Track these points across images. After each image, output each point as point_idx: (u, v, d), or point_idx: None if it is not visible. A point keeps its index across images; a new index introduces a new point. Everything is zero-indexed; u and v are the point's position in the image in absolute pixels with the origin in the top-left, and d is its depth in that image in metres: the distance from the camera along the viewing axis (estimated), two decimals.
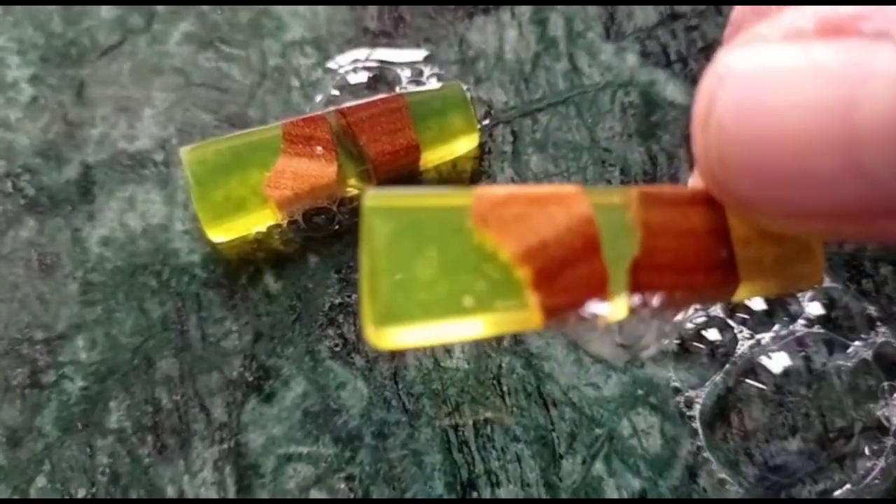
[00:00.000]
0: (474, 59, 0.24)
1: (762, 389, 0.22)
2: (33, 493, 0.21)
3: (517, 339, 0.22)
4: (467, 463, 0.21)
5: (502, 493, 0.21)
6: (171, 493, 0.21)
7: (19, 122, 0.24)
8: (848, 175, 0.10)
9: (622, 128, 0.23)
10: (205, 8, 0.25)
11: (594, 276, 0.13)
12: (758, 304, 0.22)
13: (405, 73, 0.24)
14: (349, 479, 0.21)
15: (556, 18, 0.24)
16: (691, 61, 0.24)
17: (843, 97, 0.10)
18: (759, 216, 0.12)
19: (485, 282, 0.13)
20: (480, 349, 0.22)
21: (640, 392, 0.21)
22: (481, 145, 0.23)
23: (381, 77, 0.24)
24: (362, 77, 0.24)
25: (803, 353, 0.22)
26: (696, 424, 0.21)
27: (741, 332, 0.22)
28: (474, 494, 0.21)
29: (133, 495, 0.21)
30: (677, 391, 0.21)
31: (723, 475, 0.21)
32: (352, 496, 0.21)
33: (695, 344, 0.22)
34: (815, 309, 0.22)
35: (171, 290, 0.22)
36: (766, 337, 0.22)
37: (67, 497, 0.20)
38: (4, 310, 0.22)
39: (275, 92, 0.24)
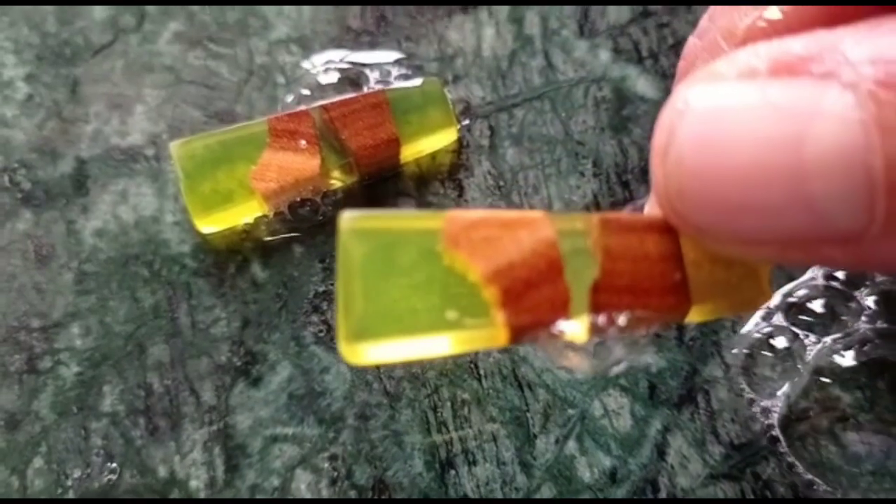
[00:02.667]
0: (453, 57, 0.25)
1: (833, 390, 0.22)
2: (30, 474, 0.22)
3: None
4: (445, 443, 0.22)
5: (479, 472, 0.22)
6: (162, 473, 0.22)
7: (15, 119, 0.25)
8: (796, 206, 0.11)
9: (595, 121, 0.24)
10: (194, 8, 0.26)
11: (557, 297, 0.14)
12: (817, 306, 0.23)
13: (374, 75, 0.25)
14: (332, 458, 0.22)
15: (532, 17, 0.25)
16: (662, 57, 0.25)
17: (794, 134, 0.11)
18: (712, 242, 0.13)
19: (454, 301, 0.14)
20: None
21: (610, 375, 0.22)
22: (459, 139, 0.24)
23: (350, 78, 0.25)
24: (332, 77, 0.25)
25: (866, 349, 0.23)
26: (776, 432, 0.22)
27: (807, 336, 0.23)
28: (452, 473, 0.22)
29: (126, 475, 0.22)
30: (649, 373, 0.22)
31: (810, 477, 0.21)
32: (335, 475, 0.22)
33: (763, 353, 0.22)
34: (872, 304, 0.23)
35: (163, 279, 0.23)
36: (828, 339, 0.22)
37: (64, 476, 0.21)
38: (2, 299, 0.23)
39: (261, 89, 0.25)
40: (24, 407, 0.22)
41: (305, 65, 0.25)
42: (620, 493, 0.22)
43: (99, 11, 0.26)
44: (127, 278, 0.23)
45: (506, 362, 0.22)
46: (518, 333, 0.14)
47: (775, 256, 0.13)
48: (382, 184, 0.24)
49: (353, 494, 0.21)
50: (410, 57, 0.25)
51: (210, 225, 0.23)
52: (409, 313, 0.14)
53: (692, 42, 0.15)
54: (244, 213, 0.23)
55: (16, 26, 0.25)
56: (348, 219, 0.14)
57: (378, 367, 0.22)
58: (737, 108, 0.12)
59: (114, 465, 0.22)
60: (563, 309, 0.14)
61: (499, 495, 0.21)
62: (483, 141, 0.24)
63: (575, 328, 0.14)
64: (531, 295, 0.14)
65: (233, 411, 0.22)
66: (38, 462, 0.22)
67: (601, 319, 0.15)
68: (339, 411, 0.22)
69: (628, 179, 0.24)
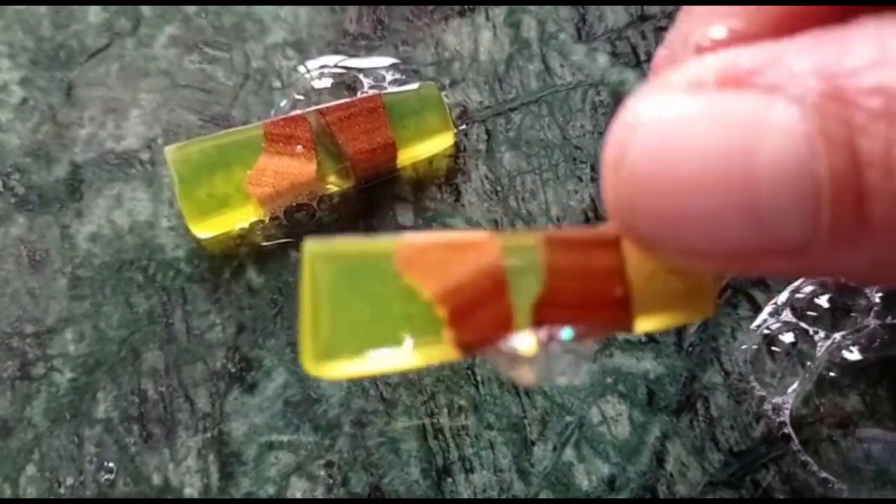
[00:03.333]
0: (450, 61, 0.25)
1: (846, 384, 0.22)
2: (23, 482, 0.21)
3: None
4: (442, 450, 0.22)
5: (476, 479, 0.21)
6: (156, 480, 0.21)
7: (10, 123, 0.24)
8: (744, 217, 0.11)
9: (593, 126, 0.24)
10: (190, 12, 0.25)
11: (501, 315, 0.15)
12: (825, 302, 0.23)
13: (368, 80, 0.24)
14: (328, 465, 0.22)
15: (530, 20, 0.25)
16: None
17: (741, 147, 0.11)
18: (662, 254, 0.13)
19: (410, 320, 0.15)
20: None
21: (608, 380, 0.22)
22: (456, 144, 0.24)
23: (344, 83, 0.25)
24: (326, 83, 0.25)
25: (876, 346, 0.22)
26: (788, 429, 0.22)
27: (816, 333, 0.22)
28: (449, 480, 0.21)
29: (120, 483, 0.21)
30: (647, 379, 0.22)
31: (825, 475, 0.21)
32: (331, 482, 0.21)
33: (773, 349, 0.22)
34: (879, 300, 0.22)
35: (157, 284, 0.23)
36: (837, 336, 0.22)
37: (57, 483, 0.21)
38: None
39: (257, 93, 0.25)
40: (17, 414, 0.22)
41: (300, 69, 0.25)
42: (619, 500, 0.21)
43: (94, 15, 0.25)
44: (121, 284, 0.23)
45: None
46: (467, 349, 0.15)
47: (723, 267, 0.13)
48: (379, 188, 0.24)
49: None
50: (407, 61, 0.25)
51: (205, 230, 0.23)
52: (371, 332, 0.15)
53: (660, 52, 0.15)
54: (240, 218, 0.23)
55: (10, 30, 0.25)
56: (313, 244, 0.15)
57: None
58: (686, 120, 0.12)
59: (110, 464, 0.21)
60: (506, 326, 0.15)
61: None
62: (480, 145, 0.24)
63: (525, 342, 0.15)
64: (477, 313, 0.15)
65: (228, 418, 0.22)
66: (30, 469, 0.21)
67: (543, 334, 0.15)
68: (335, 418, 0.22)
69: None
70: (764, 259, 0.12)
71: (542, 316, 0.15)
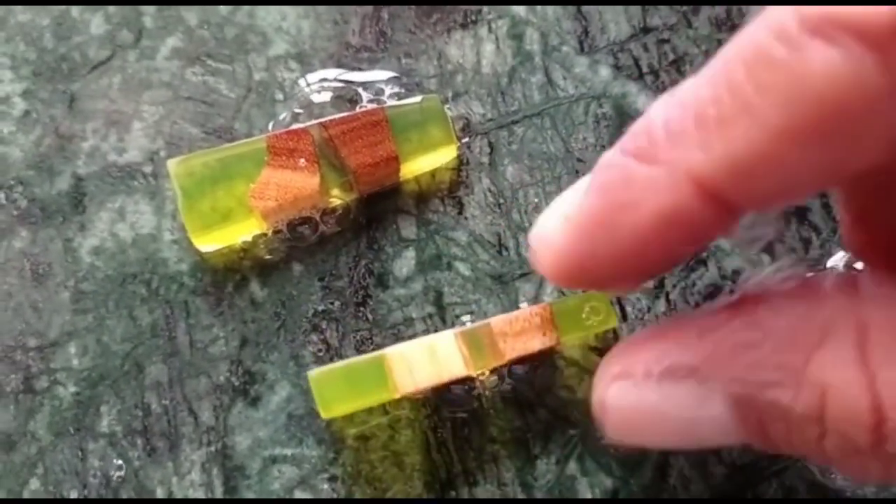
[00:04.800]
0: (453, 73, 0.25)
1: None
2: (27, 496, 0.21)
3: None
4: (445, 463, 0.22)
5: (479, 493, 0.21)
6: (160, 494, 0.21)
7: (12, 136, 0.24)
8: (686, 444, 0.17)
9: (595, 139, 0.24)
10: (192, 24, 0.25)
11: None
12: None
13: (368, 94, 0.24)
14: (332, 479, 0.22)
15: (532, 33, 0.25)
16: (662, 73, 0.25)
17: (685, 426, 0.16)
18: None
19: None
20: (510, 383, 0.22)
21: None
22: (459, 157, 0.24)
23: (343, 96, 0.25)
24: (326, 97, 0.25)
25: None
26: None
27: None
28: (452, 494, 0.21)
29: (123, 496, 0.21)
30: None
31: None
32: (335, 496, 0.21)
33: None
34: None
35: (160, 297, 0.23)
36: None
37: (60, 498, 0.21)
38: None
39: (260, 105, 0.25)
40: (21, 427, 0.22)
41: (300, 82, 0.25)
42: None
43: (96, 27, 0.25)
44: (124, 297, 0.23)
45: (506, 382, 0.22)
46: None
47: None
48: (382, 201, 0.24)
49: None
50: (410, 73, 0.25)
51: (208, 243, 0.23)
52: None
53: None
54: (243, 232, 0.23)
55: (12, 42, 0.25)
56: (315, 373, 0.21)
57: None
58: (644, 405, 0.17)
59: (120, 461, 0.21)
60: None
61: None
62: (483, 158, 0.24)
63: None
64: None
65: (231, 432, 0.22)
66: (34, 483, 0.21)
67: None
68: (339, 432, 0.22)
69: None
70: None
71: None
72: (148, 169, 0.24)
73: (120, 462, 0.22)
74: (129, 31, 0.25)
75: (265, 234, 0.23)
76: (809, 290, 0.16)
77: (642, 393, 0.17)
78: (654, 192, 0.14)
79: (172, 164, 0.22)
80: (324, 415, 0.21)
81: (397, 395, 0.21)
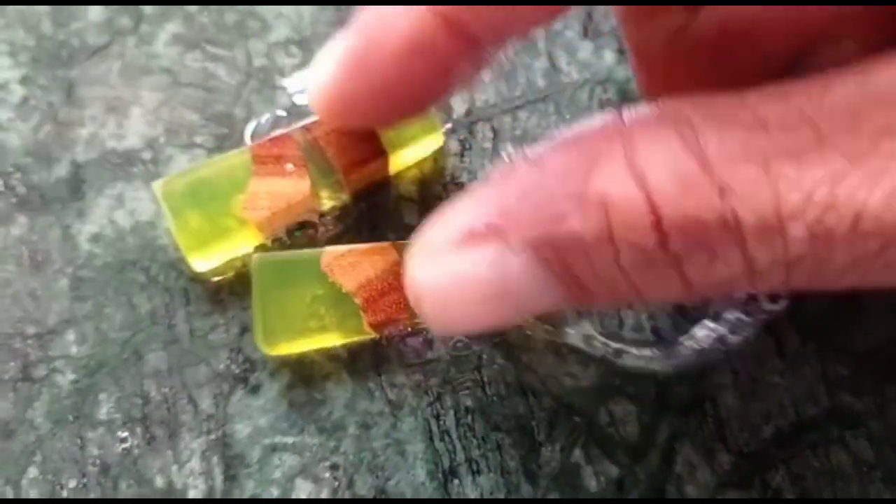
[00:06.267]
0: None
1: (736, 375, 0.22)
2: (25, 484, 0.21)
3: (497, 332, 0.22)
4: (448, 451, 0.21)
5: (482, 481, 0.21)
6: (159, 482, 0.21)
7: (10, 122, 0.24)
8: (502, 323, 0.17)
9: None
10: (192, 10, 0.25)
11: (401, 301, 0.21)
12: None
13: None
14: (333, 467, 0.21)
15: None
16: None
17: (498, 287, 0.16)
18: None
19: (335, 308, 0.21)
20: (462, 341, 0.22)
21: (617, 381, 0.22)
22: (462, 142, 0.24)
23: None
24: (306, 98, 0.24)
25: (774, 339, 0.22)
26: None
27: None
28: (455, 482, 0.21)
29: (123, 485, 0.21)
30: (656, 380, 0.22)
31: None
32: (336, 484, 0.21)
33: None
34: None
35: (160, 285, 0.23)
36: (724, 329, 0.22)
37: (59, 486, 0.21)
38: None
39: (260, 91, 0.24)
40: (19, 415, 0.22)
41: (283, 85, 0.24)
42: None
43: (95, 13, 0.25)
44: (123, 284, 0.23)
45: (510, 369, 0.22)
46: (378, 326, 0.21)
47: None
48: (384, 190, 0.24)
49: None
50: None
51: (206, 260, 0.22)
52: (304, 319, 0.21)
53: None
54: (240, 245, 0.22)
55: (11, 28, 0.25)
56: (258, 256, 0.21)
57: (379, 375, 0.22)
58: (451, 279, 0.16)
59: (125, 434, 0.21)
60: (406, 309, 0.21)
61: None
62: (486, 144, 0.24)
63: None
64: (383, 299, 0.21)
65: (231, 420, 0.22)
66: (32, 471, 0.21)
67: None
68: (340, 420, 0.22)
69: None
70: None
71: None
72: (147, 155, 0.24)
73: (119, 449, 0.21)
74: (129, 18, 0.25)
75: (265, 246, 0.23)
76: (581, 128, 0.16)
77: (447, 264, 0.16)
78: (400, 26, 0.17)
79: (158, 186, 0.22)
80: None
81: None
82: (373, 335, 0.21)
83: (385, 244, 0.21)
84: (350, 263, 0.21)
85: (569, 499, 0.21)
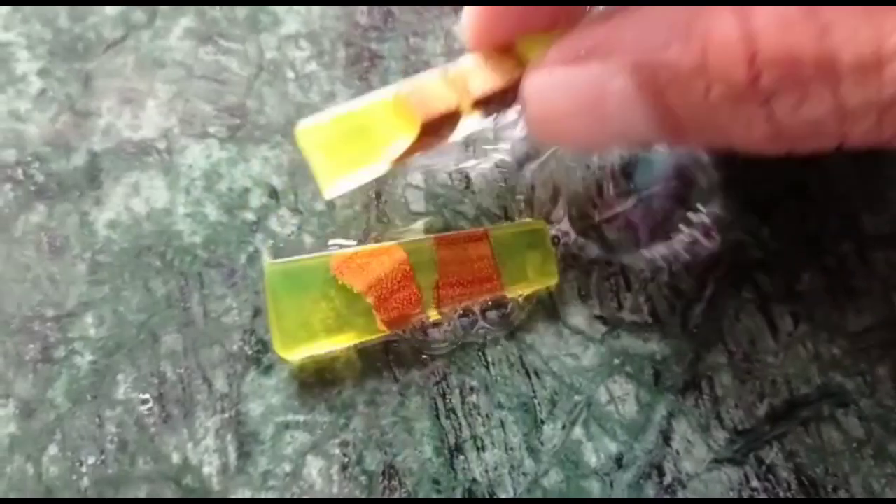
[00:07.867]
0: (460, 52, 0.25)
1: (731, 354, 0.23)
2: (45, 461, 0.22)
3: (501, 314, 0.23)
4: (454, 428, 0.22)
5: (487, 457, 0.22)
6: (175, 459, 0.22)
7: (29, 113, 0.25)
8: (606, 138, 0.19)
9: None
10: (204, 5, 0.26)
11: (412, 297, 0.22)
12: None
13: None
14: (343, 444, 0.22)
15: None
16: None
17: (594, 100, 0.18)
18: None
19: (348, 308, 0.22)
20: (464, 323, 0.23)
21: (616, 361, 0.23)
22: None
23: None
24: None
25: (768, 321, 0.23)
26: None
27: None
28: (461, 458, 0.22)
29: (140, 462, 0.22)
30: (654, 360, 0.23)
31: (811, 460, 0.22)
32: (346, 460, 0.22)
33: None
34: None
35: (175, 269, 0.24)
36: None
37: (78, 463, 0.22)
38: (17, 289, 0.23)
39: (271, 83, 0.25)
40: (40, 395, 0.22)
41: (326, 59, 0.25)
42: (627, 477, 0.22)
43: (111, 8, 0.26)
44: (140, 269, 0.23)
45: (513, 350, 0.23)
46: (392, 324, 0.22)
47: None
48: (392, 178, 0.24)
49: (363, 480, 0.22)
50: (417, 52, 0.25)
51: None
52: (319, 322, 0.22)
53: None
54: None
55: (29, 22, 0.26)
56: (271, 263, 0.22)
57: (387, 355, 0.23)
58: (555, 89, 0.18)
59: (146, 396, 0.22)
60: (417, 304, 0.22)
61: (507, 480, 0.22)
62: (489, 133, 0.25)
63: (429, 316, 0.22)
64: (394, 298, 0.22)
65: (245, 399, 0.22)
66: (52, 449, 0.22)
67: (445, 305, 0.22)
68: (350, 398, 0.22)
69: (632, 172, 0.24)
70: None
71: (441, 294, 0.22)
72: (162, 145, 0.25)
73: (136, 427, 0.22)
74: (143, 12, 0.26)
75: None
76: None
77: (554, 77, 0.18)
78: None
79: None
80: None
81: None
82: (387, 332, 0.22)
83: (391, 244, 0.22)
84: (359, 265, 0.22)
85: (580, 499, 0.22)
